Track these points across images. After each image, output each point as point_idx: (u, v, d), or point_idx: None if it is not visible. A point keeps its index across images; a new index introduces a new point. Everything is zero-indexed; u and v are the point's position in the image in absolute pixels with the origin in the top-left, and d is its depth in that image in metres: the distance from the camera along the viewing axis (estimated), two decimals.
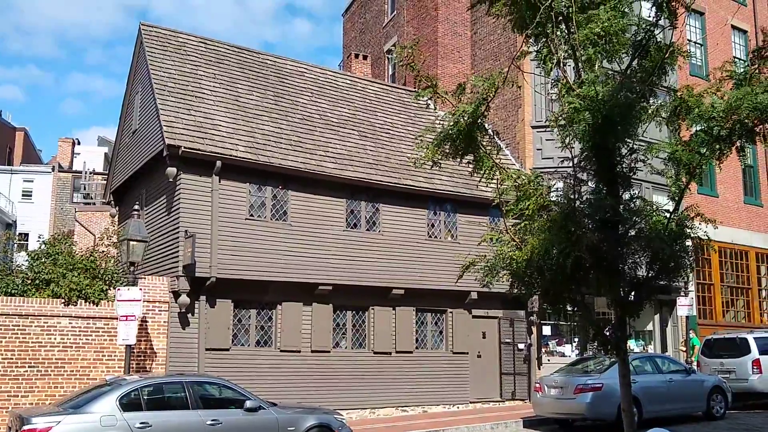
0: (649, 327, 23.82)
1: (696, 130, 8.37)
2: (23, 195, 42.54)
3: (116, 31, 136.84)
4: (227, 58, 20.18)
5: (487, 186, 9.25)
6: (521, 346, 20.77)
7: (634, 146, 7.86)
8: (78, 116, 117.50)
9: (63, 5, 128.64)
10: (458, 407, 19.36)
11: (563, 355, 21.63)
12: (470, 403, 19.65)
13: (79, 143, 52.45)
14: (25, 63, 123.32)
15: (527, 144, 22.13)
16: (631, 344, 22.10)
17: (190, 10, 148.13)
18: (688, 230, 8.12)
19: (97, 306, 14.96)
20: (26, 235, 39.73)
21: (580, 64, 7.78)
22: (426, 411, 18.78)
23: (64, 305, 14.64)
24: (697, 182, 9.71)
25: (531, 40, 8.44)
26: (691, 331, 22.87)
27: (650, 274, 8.15)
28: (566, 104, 7.33)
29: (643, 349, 23.14)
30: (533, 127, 22.07)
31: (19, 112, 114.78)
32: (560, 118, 7.66)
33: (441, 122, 8.48)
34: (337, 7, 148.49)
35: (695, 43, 25.77)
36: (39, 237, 17.66)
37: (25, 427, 10.00)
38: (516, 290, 8.48)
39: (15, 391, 13.82)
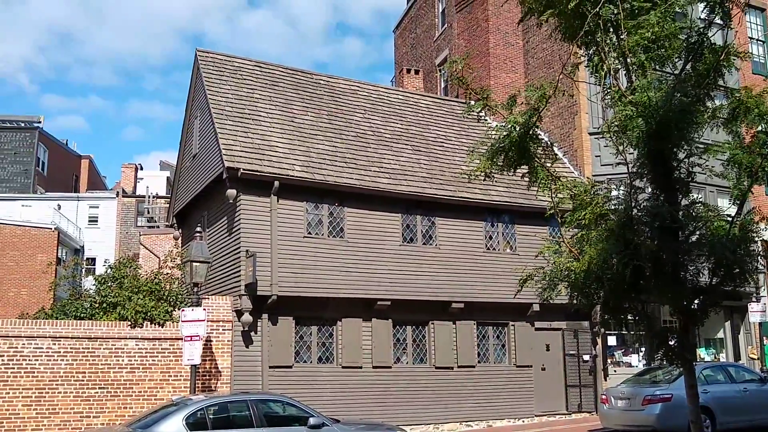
0: (720, 335, 23.07)
1: (757, 132, 8.13)
2: (90, 221, 43.92)
3: (172, 58, 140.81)
4: (282, 80, 20.53)
5: (543, 196, 9.16)
6: (586, 357, 20.38)
7: (692, 150, 7.67)
8: (139, 142, 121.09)
9: (121, 35, 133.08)
10: (523, 421, 19.10)
11: (630, 365, 21.12)
12: (535, 416, 19.36)
13: (141, 168, 53.94)
14: (87, 93, 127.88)
15: (585, 151, 21.81)
16: (701, 353, 21.45)
17: (243, 34, 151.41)
18: (753, 234, 7.86)
19: (162, 327, 15.32)
20: (93, 259, 40.98)
21: (631, 71, 7.66)
22: (491, 425, 18.58)
23: (131, 327, 15.04)
24: (761, 184, 9.41)
25: (582, 49, 8.36)
26: (765, 338, 22.06)
27: (714, 281, 7.92)
28: (618, 112, 7.22)
29: (714, 357, 22.41)
30: (590, 134, 21.75)
31: (84, 141, 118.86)
32: (613, 125, 7.56)
33: (493, 134, 8.44)
34: (387, 24, 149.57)
35: (757, 40, 25.05)
36: (105, 261, 18.22)
37: None
38: (575, 302, 8.34)
39: (87, 412, 14.25)
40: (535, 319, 19.63)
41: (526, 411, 19.26)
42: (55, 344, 14.34)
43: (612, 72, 7.83)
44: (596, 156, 21.60)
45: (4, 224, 37.09)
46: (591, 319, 20.20)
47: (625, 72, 8.01)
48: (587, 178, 20.05)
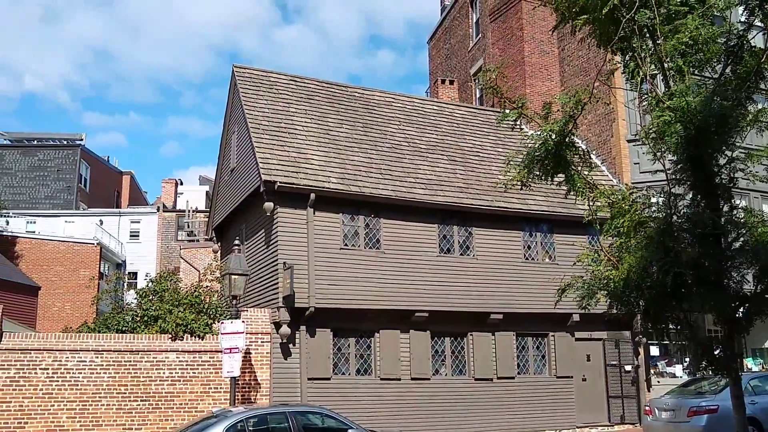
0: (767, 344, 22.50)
1: None
2: (131, 235, 44.67)
3: (208, 73, 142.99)
4: (317, 93, 20.69)
5: (582, 204, 9.06)
6: (628, 367, 20.03)
7: (733, 156, 7.51)
8: (177, 157, 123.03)
9: (157, 52, 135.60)
10: None
11: (674, 375, 20.70)
12: (577, 428, 19.08)
13: (181, 183, 54.74)
14: (126, 110, 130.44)
15: (623, 159, 21.53)
16: (748, 363, 20.93)
17: (278, 48, 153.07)
18: None
19: (202, 340, 15.47)
20: (135, 273, 41.64)
21: (668, 76, 7.54)
22: None
23: (172, 340, 15.22)
24: None
25: (617, 55, 8.26)
26: None
27: (759, 288, 7.73)
28: (656, 117, 7.11)
29: (762, 367, 21.84)
30: (629, 141, 21.47)
31: (124, 157, 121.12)
32: (651, 131, 7.44)
33: (529, 143, 8.38)
34: (420, 36, 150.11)
35: None
36: (146, 275, 18.51)
37: None
38: (615, 311, 8.21)
39: (129, 424, 14.43)
40: (575, 329, 19.38)
41: (567, 422, 18.99)
42: (97, 357, 14.58)
43: (649, 77, 7.72)
44: (635, 163, 21.31)
45: (48, 240, 37.93)
46: (632, 328, 19.88)
47: (662, 77, 7.89)
48: (626, 185, 19.80)
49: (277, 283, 16.24)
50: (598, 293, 8.05)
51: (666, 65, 7.61)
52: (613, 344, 20.03)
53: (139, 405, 14.65)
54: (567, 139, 7.78)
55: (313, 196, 16.56)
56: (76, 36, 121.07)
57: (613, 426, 19.53)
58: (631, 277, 7.29)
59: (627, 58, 8.10)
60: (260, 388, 15.70)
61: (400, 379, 17.23)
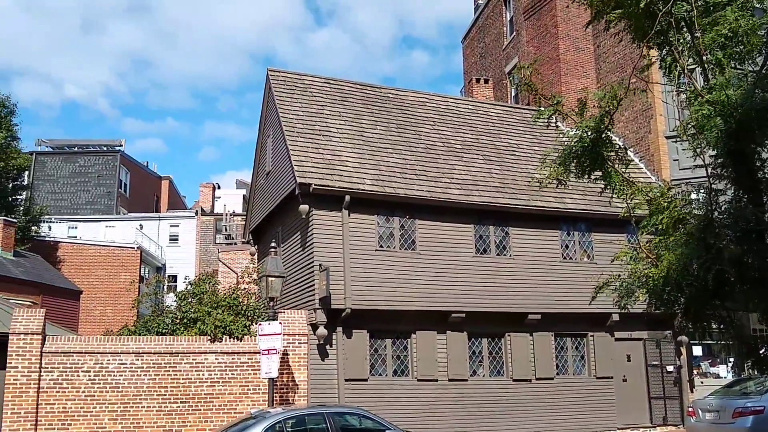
0: None
1: None
2: (170, 239, 45.34)
3: (244, 79, 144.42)
4: (351, 95, 20.73)
5: (620, 202, 8.92)
6: (670, 368, 19.68)
7: None
8: (214, 162, 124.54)
9: (194, 59, 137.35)
10: None
11: (718, 376, 20.27)
12: (618, 429, 18.79)
13: (219, 187, 55.38)
14: (164, 116, 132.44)
15: (662, 155, 21.17)
16: None
17: (312, 52, 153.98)
18: None
19: (240, 341, 15.59)
20: (174, 276, 42.24)
21: (707, 69, 7.37)
22: None
23: (210, 342, 15.37)
24: None
25: (654, 49, 8.11)
26: None
27: None
28: (695, 111, 6.95)
29: None
30: (667, 138, 21.10)
31: (163, 162, 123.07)
32: (689, 126, 7.28)
33: (565, 140, 8.27)
34: (453, 36, 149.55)
35: None
36: (185, 278, 18.72)
37: None
38: (654, 310, 8.05)
39: (170, 426, 14.60)
40: (615, 329, 19.10)
41: (607, 424, 18.72)
42: (138, 360, 14.79)
43: (686, 71, 7.56)
44: (674, 160, 20.93)
45: (89, 245, 38.68)
46: (673, 328, 19.53)
47: (700, 71, 7.72)
48: (664, 182, 19.47)
49: (314, 284, 16.30)
50: (637, 292, 7.90)
51: (704, 58, 7.44)
52: (654, 344, 19.70)
53: (179, 407, 14.82)
54: (603, 136, 7.65)
55: (347, 197, 16.59)
56: (114, 44, 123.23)
57: (655, 427, 19.20)
58: (670, 275, 7.13)
59: (664, 52, 7.93)
60: (298, 389, 15.76)
61: (437, 380, 17.16)
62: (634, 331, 19.35)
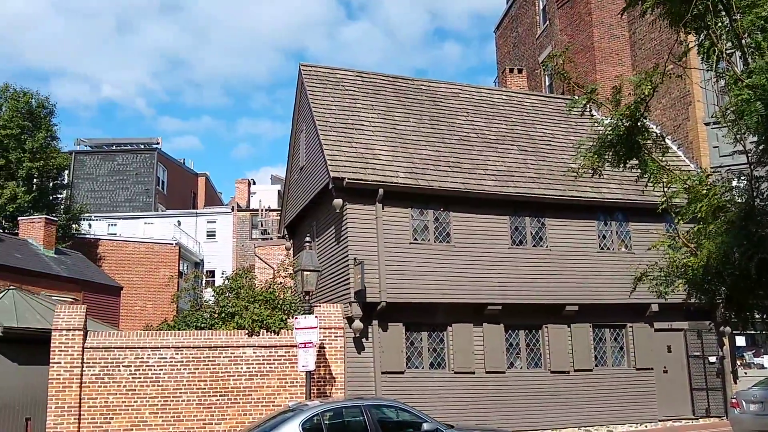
0: None
1: None
2: (208, 235, 45.85)
3: (276, 76, 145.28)
4: (383, 88, 20.69)
5: (657, 190, 8.75)
6: (712, 359, 19.33)
7: None
8: (248, 158, 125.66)
9: (227, 57, 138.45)
10: (646, 426, 18.34)
11: (762, 366, 19.88)
12: (659, 421, 18.53)
13: (254, 183, 55.83)
14: (199, 114, 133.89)
15: (701, 143, 20.76)
16: None
17: (343, 46, 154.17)
18: None
19: (277, 335, 15.70)
20: (212, 272, 42.73)
21: (747, 53, 7.18)
22: (611, 430, 17.95)
23: (248, 336, 15.50)
24: None
25: (691, 34, 7.93)
26: None
27: None
28: (734, 96, 6.77)
29: None
30: (706, 124, 20.68)
31: (199, 160, 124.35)
32: (729, 111, 7.10)
33: (600, 129, 8.14)
34: (485, 27, 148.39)
35: None
36: (223, 273, 18.93)
37: None
38: (695, 300, 7.89)
39: (209, 419, 14.78)
40: (655, 319, 18.82)
41: (648, 415, 18.47)
42: (177, 354, 14.98)
43: (725, 56, 7.38)
44: (714, 147, 20.52)
45: (129, 242, 39.31)
46: (715, 318, 19.19)
47: (739, 55, 7.54)
48: (704, 170, 19.08)
49: (349, 278, 16.34)
50: (676, 281, 7.75)
51: (743, 42, 7.25)
52: (695, 335, 19.37)
53: (218, 400, 14.98)
54: (639, 123, 7.51)
55: (381, 191, 16.57)
56: (149, 44, 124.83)
57: (697, 419, 18.88)
58: (711, 264, 6.99)
59: (701, 36, 7.75)
60: (335, 381, 15.83)
61: (474, 373, 17.10)
62: (675, 321, 19.04)
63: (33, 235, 29.36)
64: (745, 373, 19.46)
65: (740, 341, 20.23)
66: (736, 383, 19.13)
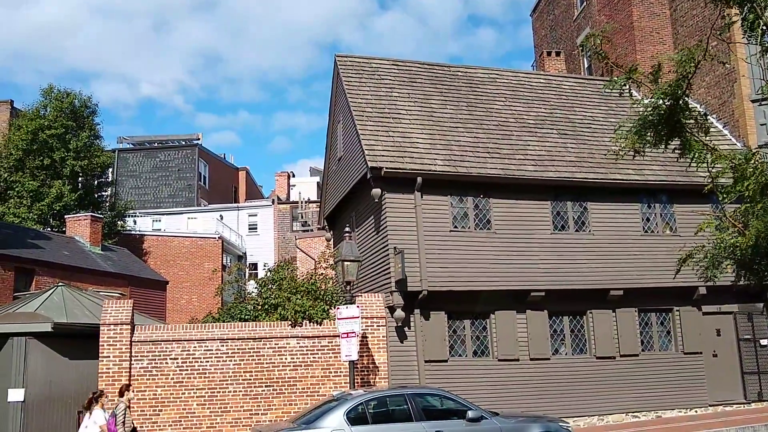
0: None
1: None
2: (249, 228, 46.33)
3: (311, 69, 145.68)
4: (419, 76, 20.57)
5: (703, 171, 8.52)
6: (764, 342, 18.86)
7: None
8: (286, 152, 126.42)
9: (262, 52, 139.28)
10: (696, 411, 18.00)
11: None
12: (709, 406, 18.18)
13: (293, 176, 56.13)
14: (236, 109, 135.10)
15: (748, 120, 20.21)
16: None
17: (377, 37, 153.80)
18: None
19: (320, 326, 15.78)
20: (255, 264, 43.19)
21: None
22: (660, 416, 17.66)
23: (291, 327, 15.62)
24: None
25: (734, 8, 7.69)
26: None
27: None
28: None
29: None
30: (753, 101, 20.12)
31: (238, 154, 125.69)
32: None
33: (640, 108, 7.96)
34: (519, 11, 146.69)
35: None
36: (265, 265, 19.09)
37: None
38: (744, 281, 7.68)
39: (255, 410, 14.94)
40: (702, 303, 18.43)
41: (698, 400, 18.14)
42: (223, 346, 15.16)
43: None
44: (761, 125, 19.97)
45: (173, 237, 39.92)
46: (765, 300, 18.70)
47: None
48: (750, 148, 18.57)
49: (389, 267, 16.32)
50: (724, 262, 7.55)
51: None
52: (745, 317, 18.92)
53: (263, 390, 15.14)
54: (681, 102, 7.31)
55: (419, 179, 16.49)
56: (185, 42, 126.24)
57: (749, 403, 18.47)
58: (760, 244, 6.79)
59: (745, 10, 7.52)
60: (378, 371, 15.86)
61: (518, 360, 16.97)
62: (723, 304, 18.62)
63: (80, 232, 30.01)
64: None
65: None
66: None
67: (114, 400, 13.84)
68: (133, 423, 12.80)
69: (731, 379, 18.59)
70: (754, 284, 7.83)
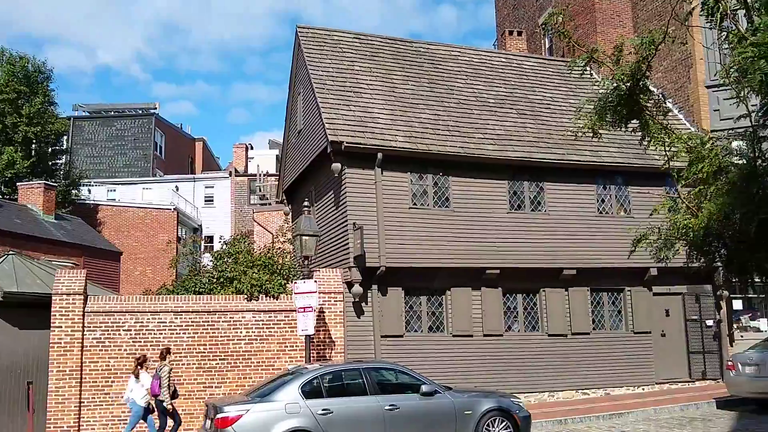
0: None
1: None
2: (206, 200, 45.81)
3: (271, 41, 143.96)
4: (381, 50, 20.44)
5: (658, 153, 8.65)
6: (709, 322, 19.42)
7: None
8: (244, 124, 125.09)
9: (222, 22, 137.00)
10: (643, 389, 18.48)
11: (758, 330, 19.99)
12: (656, 384, 18.68)
13: (252, 148, 55.54)
14: (194, 79, 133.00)
15: (702, 106, 20.59)
16: None
17: (338, 12, 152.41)
18: None
19: (277, 300, 15.72)
20: (210, 237, 42.77)
21: (752, 9, 7.03)
22: (608, 393, 18.09)
23: (247, 301, 15.52)
24: None
25: None
26: None
27: None
28: (738, 54, 6.65)
29: None
30: (708, 87, 20.49)
31: (195, 125, 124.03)
32: (732, 71, 6.98)
33: (600, 89, 8.02)
34: None
35: None
36: (221, 238, 18.87)
37: (219, 416, 10.72)
38: (695, 262, 7.86)
39: (209, 383, 14.86)
40: (653, 283, 18.85)
41: (645, 378, 18.61)
42: (177, 318, 15.00)
43: (729, 13, 7.23)
44: (715, 110, 20.36)
45: (128, 207, 39.27)
46: (713, 282, 19.23)
47: (744, 13, 7.39)
48: (705, 131, 18.93)
49: (348, 243, 16.31)
50: (677, 243, 7.71)
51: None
52: (693, 298, 19.43)
53: (218, 364, 15.05)
54: (641, 83, 7.39)
55: (380, 155, 16.45)
56: (144, 10, 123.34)
57: (694, 381, 19.03)
58: (711, 226, 6.93)
59: None
60: (334, 345, 15.89)
61: (472, 336, 17.18)
62: (673, 285, 19.09)
63: (32, 200, 29.33)
64: (742, 337, 19.58)
65: (737, 305, 20.33)
66: (732, 346, 19.26)
67: (65, 371, 13.69)
68: (175, 386, 13.57)
69: (678, 358, 19.11)
70: (704, 266, 8.01)
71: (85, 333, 14.40)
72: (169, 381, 13.09)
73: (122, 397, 13.80)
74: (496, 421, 11.94)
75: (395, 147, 16.73)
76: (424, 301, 17.11)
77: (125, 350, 14.60)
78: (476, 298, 17.34)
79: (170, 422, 13.33)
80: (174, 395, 13.42)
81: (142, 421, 13.27)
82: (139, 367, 13.36)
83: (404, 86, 19.15)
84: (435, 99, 19.05)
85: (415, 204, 16.99)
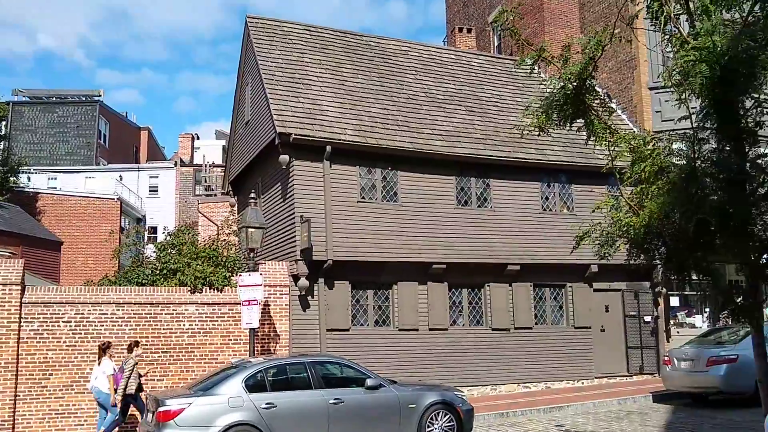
0: None
1: None
2: (150, 190, 44.97)
3: (220, 30, 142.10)
4: (331, 43, 20.35)
5: (601, 153, 8.83)
6: (647, 318, 19.94)
7: (760, 99, 7.21)
8: (191, 113, 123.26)
9: (170, 10, 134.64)
10: (583, 383, 18.88)
11: (693, 326, 20.64)
12: (595, 378, 19.11)
13: (198, 138, 54.72)
14: (140, 67, 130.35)
15: (645, 107, 21.10)
16: None
17: (289, 3, 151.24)
18: None
19: (221, 292, 15.54)
20: (154, 228, 42.05)
21: (694, 15, 7.23)
22: (549, 387, 18.43)
23: (191, 293, 15.30)
24: None
25: None
26: None
27: None
28: (680, 58, 6.83)
29: None
30: (651, 89, 21.01)
31: (140, 113, 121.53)
32: (674, 73, 7.16)
33: (547, 88, 8.14)
34: None
35: None
36: (165, 229, 18.56)
37: (161, 409, 10.54)
38: (635, 259, 8.05)
39: (151, 375, 14.60)
40: (594, 280, 19.27)
41: (585, 373, 19.03)
42: (119, 310, 14.71)
43: (673, 18, 7.41)
44: (657, 111, 20.89)
45: (69, 196, 38.26)
46: (652, 279, 19.75)
47: (686, 18, 7.59)
48: (647, 131, 19.36)
49: (295, 236, 16.22)
50: (618, 241, 7.88)
51: (691, 5, 7.30)
52: (632, 295, 19.92)
53: (160, 356, 14.81)
54: (587, 83, 7.52)
55: (329, 148, 16.39)
56: None
57: (631, 376, 19.53)
58: (652, 224, 7.11)
59: None
60: (279, 339, 15.81)
61: (417, 330, 17.28)
62: (613, 282, 19.53)
63: None
64: (678, 332, 20.16)
65: (674, 302, 20.92)
66: (668, 342, 19.81)
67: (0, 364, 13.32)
68: (140, 380, 13.30)
69: (616, 353, 19.58)
70: (644, 263, 8.21)
71: (22, 324, 13.99)
72: (131, 374, 12.93)
73: (86, 386, 13.59)
74: (440, 414, 12.04)
75: (344, 140, 16.69)
76: (371, 295, 17.13)
77: (65, 342, 14.24)
78: (422, 293, 17.45)
79: (109, 415, 13.07)
80: (139, 389, 13.22)
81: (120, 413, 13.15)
82: (102, 354, 13.20)
83: (354, 80, 19.11)
84: (385, 93, 19.06)
85: (363, 198, 17.00)
